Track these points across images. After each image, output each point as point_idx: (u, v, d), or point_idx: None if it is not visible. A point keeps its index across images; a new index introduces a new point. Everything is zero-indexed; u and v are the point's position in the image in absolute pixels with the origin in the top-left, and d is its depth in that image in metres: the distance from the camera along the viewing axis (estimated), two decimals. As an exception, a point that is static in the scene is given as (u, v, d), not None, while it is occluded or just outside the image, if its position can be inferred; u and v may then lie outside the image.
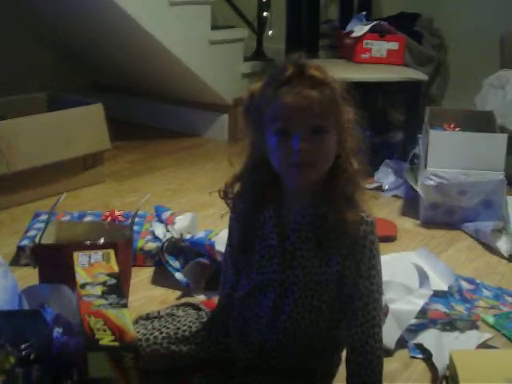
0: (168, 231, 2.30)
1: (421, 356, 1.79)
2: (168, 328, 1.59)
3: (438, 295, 2.01)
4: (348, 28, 3.51)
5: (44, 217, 2.39)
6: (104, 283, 1.55)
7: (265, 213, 1.45)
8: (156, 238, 2.28)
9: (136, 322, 1.64)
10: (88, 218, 2.45)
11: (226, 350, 1.56)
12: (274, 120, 1.33)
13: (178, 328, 1.59)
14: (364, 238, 1.38)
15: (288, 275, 1.44)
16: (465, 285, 2.15)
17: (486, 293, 2.15)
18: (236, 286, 1.56)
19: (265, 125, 1.36)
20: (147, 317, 1.68)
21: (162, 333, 1.58)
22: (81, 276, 1.58)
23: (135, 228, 2.22)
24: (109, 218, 2.42)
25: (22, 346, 1.41)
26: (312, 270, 1.42)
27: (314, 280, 1.42)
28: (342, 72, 3.17)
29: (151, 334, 1.57)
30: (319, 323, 1.46)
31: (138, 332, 1.56)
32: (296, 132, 1.31)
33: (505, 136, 2.72)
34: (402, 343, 1.81)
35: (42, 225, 2.17)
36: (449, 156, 2.69)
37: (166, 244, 2.18)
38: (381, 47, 3.38)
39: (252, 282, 1.50)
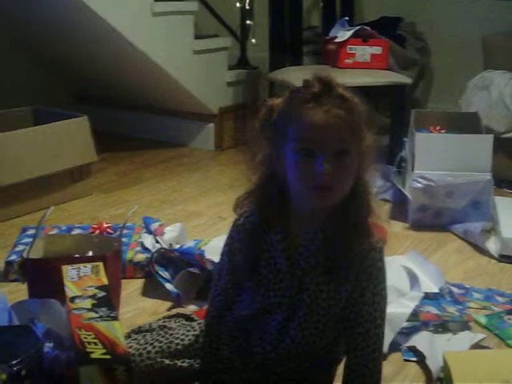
0: (157, 242, 2.29)
1: (414, 359, 1.79)
2: (160, 342, 1.56)
3: (429, 297, 2.01)
4: (331, 34, 3.52)
5: (32, 231, 2.38)
6: (94, 296, 1.54)
7: (272, 235, 1.41)
8: (145, 249, 2.27)
9: (128, 336, 1.62)
10: (76, 231, 2.44)
11: (220, 362, 1.54)
12: (298, 137, 1.28)
13: (171, 342, 1.56)
14: (372, 266, 1.36)
15: (296, 300, 1.41)
16: (455, 290, 2.15)
17: (476, 295, 2.15)
18: (232, 303, 1.52)
19: (284, 141, 1.30)
20: (139, 330, 1.65)
21: (154, 347, 1.54)
22: (70, 289, 1.57)
23: (124, 240, 2.21)
24: (97, 231, 2.41)
25: (13, 362, 1.39)
26: (320, 295, 1.39)
27: (322, 305, 1.40)
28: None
29: (144, 349, 1.54)
30: (322, 343, 1.45)
31: (130, 347, 1.53)
32: (321, 153, 1.26)
33: (491, 136, 2.73)
34: (394, 346, 1.81)
35: (29, 239, 2.16)
36: (435, 158, 2.70)
37: (155, 255, 2.17)
38: (364, 52, 3.40)
39: (258, 304, 1.45)
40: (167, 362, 1.54)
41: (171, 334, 1.59)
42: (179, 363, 1.54)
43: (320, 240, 1.37)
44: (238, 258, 1.47)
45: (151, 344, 1.56)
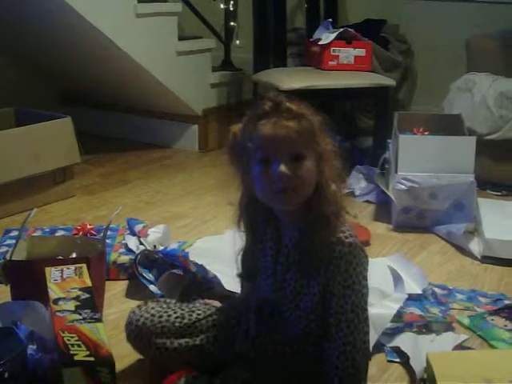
0: (141, 243, 2.28)
1: (398, 359, 1.79)
2: (183, 310, 1.67)
3: (412, 298, 2.02)
4: (315, 36, 3.53)
5: (15, 233, 2.37)
6: (77, 298, 1.53)
7: (267, 238, 1.53)
8: (129, 251, 2.26)
9: (145, 303, 1.71)
10: (59, 233, 2.43)
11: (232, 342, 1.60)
12: (255, 151, 1.40)
13: (193, 311, 1.67)
14: (339, 258, 1.40)
15: (278, 296, 1.49)
16: (438, 291, 2.16)
17: (459, 296, 2.16)
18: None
19: (249, 159, 1.42)
20: (157, 300, 1.74)
21: (175, 312, 1.66)
22: (53, 291, 1.56)
23: (107, 241, 2.21)
24: (80, 233, 2.40)
25: (-4, 365, 1.38)
26: (301, 290, 1.46)
27: (304, 300, 1.45)
28: (310, 80, 3.20)
29: (165, 312, 1.65)
30: (308, 340, 1.48)
31: (152, 308, 1.66)
32: (276, 159, 1.38)
33: (473, 138, 2.75)
34: (378, 347, 1.81)
35: (12, 241, 2.15)
36: (419, 160, 2.71)
37: (139, 257, 2.16)
38: (348, 54, 3.41)
39: (253, 302, 1.55)
40: (184, 328, 1.63)
41: (192, 307, 1.70)
42: (196, 332, 1.63)
43: (296, 238, 1.47)
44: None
45: (173, 310, 1.67)
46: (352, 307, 1.41)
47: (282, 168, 1.36)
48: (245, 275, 1.62)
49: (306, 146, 1.40)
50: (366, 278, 1.44)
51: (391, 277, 2.03)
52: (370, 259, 1.46)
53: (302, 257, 1.45)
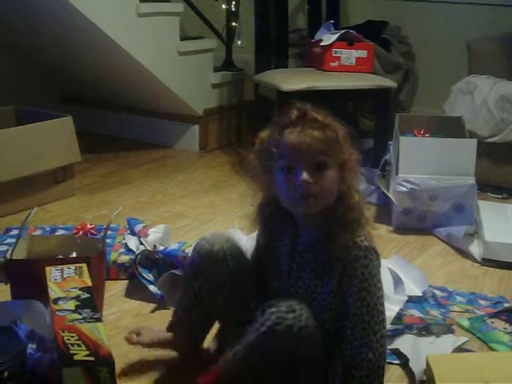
0: (141, 243, 2.28)
1: (397, 361, 1.79)
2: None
3: (412, 301, 2.02)
4: (316, 37, 3.53)
5: (15, 232, 2.37)
6: (77, 297, 1.53)
7: (282, 234, 1.58)
8: (129, 251, 2.26)
9: None
10: (60, 232, 2.43)
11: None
12: (279, 158, 1.47)
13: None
14: (354, 261, 1.45)
15: (293, 295, 1.52)
16: (438, 293, 2.16)
17: (459, 299, 2.16)
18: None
19: (274, 164, 1.49)
20: None
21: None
22: (53, 291, 1.56)
23: (108, 241, 2.21)
24: (81, 232, 2.40)
25: (-4, 364, 1.38)
26: (315, 290, 1.51)
27: (317, 299, 1.51)
28: (311, 81, 3.20)
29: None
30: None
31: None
32: (299, 166, 1.44)
33: (474, 141, 2.75)
34: (378, 349, 1.81)
35: (13, 240, 2.14)
36: (420, 162, 2.71)
37: (139, 257, 2.16)
38: (349, 55, 3.40)
39: (265, 295, 1.57)
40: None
41: None
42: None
43: (313, 238, 1.52)
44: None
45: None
46: (368, 309, 1.46)
47: (305, 176, 1.42)
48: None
49: (330, 156, 1.45)
50: (380, 281, 1.49)
51: (391, 279, 2.03)
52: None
53: (318, 257, 1.50)
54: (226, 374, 1.46)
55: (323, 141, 1.44)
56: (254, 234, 1.70)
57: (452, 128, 2.96)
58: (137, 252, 2.20)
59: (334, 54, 3.39)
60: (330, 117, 1.48)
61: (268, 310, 1.42)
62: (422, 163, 2.70)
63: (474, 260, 2.47)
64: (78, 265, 1.72)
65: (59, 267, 1.68)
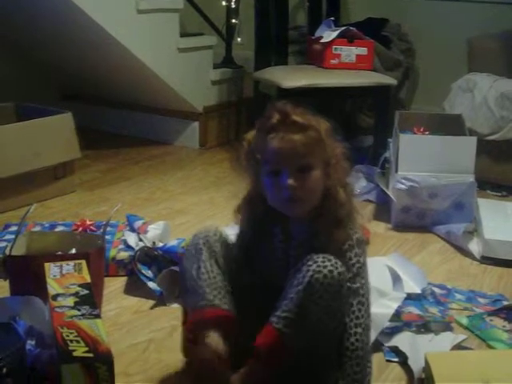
0: (140, 240, 2.28)
1: (396, 359, 1.79)
2: None
3: (411, 298, 2.02)
4: (317, 34, 3.53)
5: (14, 228, 2.37)
6: (76, 294, 1.53)
7: (274, 228, 1.61)
8: (128, 247, 2.26)
9: None
10: (59, 229, 2.43)
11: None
12: (265, 163, 1.52)
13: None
14: (348, 251, 1.53)
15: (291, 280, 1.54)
16: (437, 290, 2.16)
17: (458, 296, 2.16)
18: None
19: (259, 168, 1.54)
20: None
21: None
22: (52, 287, 1.56)
23: (107, 237, 2.20)
24: (80, 228, 2.40)
25: (-6, 360, 1.38)
26: None
27: None
28: (311, 78, 3.20)
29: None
30: None
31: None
32: (284, 171, 1.49)
33: (474, 139, 2.75)
34: (377, 346, 1.81)
35: (12, 236, 2.14)
36: (419, 160, 2.71)
37: (138, 253, 2.16)
38: (350, 52, 3.40)
39: (257, 280, 1.64)
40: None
41: None
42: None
43: (306, 233, 1.57)
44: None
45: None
46: (363, 292, 1.54)
47: (290, 181, 1.48)
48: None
49: (314, 156, 1.50)
50: (367, 268, 1.58)
51: (390, 276, 2.03)
52: (368, 258, 1.58)
53: (312, 251, 1.51)
54: (282, 331, 1.45)
55: (305, 144, 1.48)
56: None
57: (452, 126, 2.96)
58: (136, 248, 2.20)
59: (334, 51, 3.39)
60: (310, 115, 1.52)
61: (306, 263, 1.46)
62: (422, 161, 2.70)
63: (473, 258, 2.47)
64: (77, 261, 1.72)
65: (58, 263, 1.68)
